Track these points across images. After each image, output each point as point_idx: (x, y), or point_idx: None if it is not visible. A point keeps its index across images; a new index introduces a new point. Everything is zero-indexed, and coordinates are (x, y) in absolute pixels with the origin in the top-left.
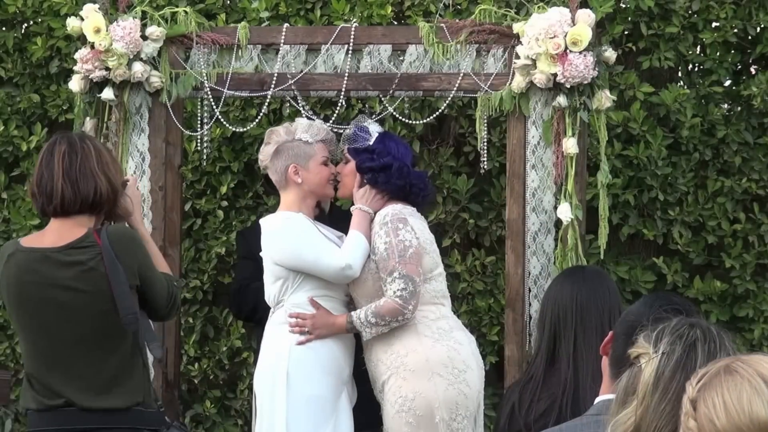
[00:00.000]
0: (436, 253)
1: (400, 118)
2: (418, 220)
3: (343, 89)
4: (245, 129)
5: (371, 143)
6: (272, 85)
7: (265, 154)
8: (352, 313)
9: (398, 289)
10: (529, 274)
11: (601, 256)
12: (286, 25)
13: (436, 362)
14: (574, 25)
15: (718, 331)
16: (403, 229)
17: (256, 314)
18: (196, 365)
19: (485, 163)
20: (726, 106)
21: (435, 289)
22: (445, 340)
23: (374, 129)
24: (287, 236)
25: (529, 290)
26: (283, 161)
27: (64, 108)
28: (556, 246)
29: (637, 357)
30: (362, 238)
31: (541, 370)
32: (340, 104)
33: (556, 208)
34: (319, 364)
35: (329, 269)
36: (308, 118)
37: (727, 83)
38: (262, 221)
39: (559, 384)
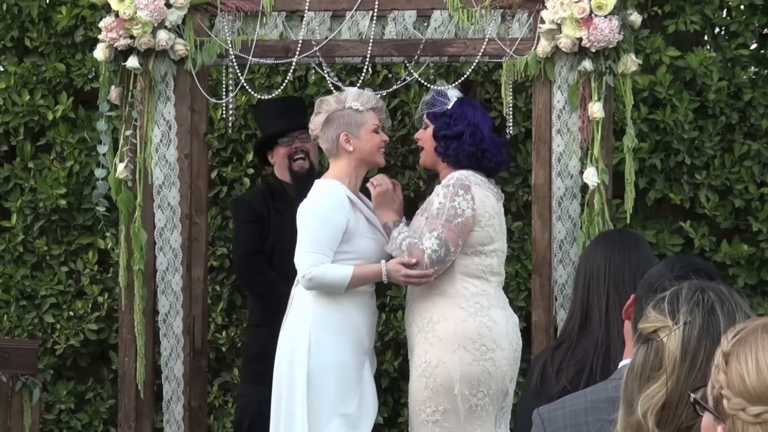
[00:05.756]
0: (494, 228)
1: (426, 84)
2: (483, 191)
3: (368, 55)
4: (270, 96)
5: (449, 108)
6: (297, 52)
7: (315, 123)
8: (399, 227)
9: (430, 248)
10: (554, 239)
11: (628, 221)
12: None
13: (464, 336)
14: None
15: (729, 291)
16: (461, 196)
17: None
18: (224, 333)
19: (511, 128)
20: (752, 69)
21: (484, 263)
22: (480, 316)
23: (453, 94)
24: (315, 211)
25: (555, 256)
26: (334, 130)
27: (90, 77)
28: (582, 211)
29: (654, 332)
30: (348, 275)
31: (575, 332)
32: (365, 71)
33: (581, 172)
34: (341, 331)
35: (298, 263)
36: (333, 84)
37: (754, 46)
38: (317, 182)
39: (591, 345)
